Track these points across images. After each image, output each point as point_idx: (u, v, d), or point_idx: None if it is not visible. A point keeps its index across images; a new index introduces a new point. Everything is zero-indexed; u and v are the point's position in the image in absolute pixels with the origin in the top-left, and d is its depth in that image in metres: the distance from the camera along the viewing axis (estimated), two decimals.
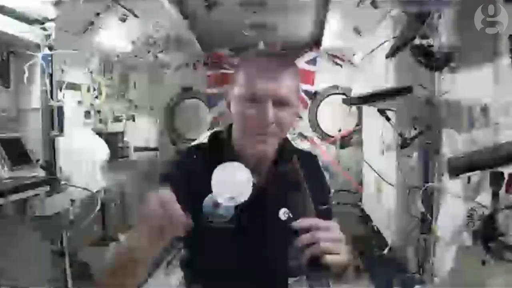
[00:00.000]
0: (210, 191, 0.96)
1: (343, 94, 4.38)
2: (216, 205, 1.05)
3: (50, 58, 2.17)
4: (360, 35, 3.43)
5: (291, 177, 0.91)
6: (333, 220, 1.13)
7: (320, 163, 1.32)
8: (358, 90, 3.64)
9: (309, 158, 1.23)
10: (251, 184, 0.91)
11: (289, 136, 3.89)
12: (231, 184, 0.91)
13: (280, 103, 1.00)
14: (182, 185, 1.01)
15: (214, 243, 1.07)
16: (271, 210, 1.02)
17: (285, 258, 1.06)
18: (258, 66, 1.02)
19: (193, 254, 1.17)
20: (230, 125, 1.13)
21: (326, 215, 0.93)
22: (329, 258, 0.80)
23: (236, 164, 0.94)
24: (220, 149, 1.12)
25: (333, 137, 4.39)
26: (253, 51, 1.31)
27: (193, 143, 1.33)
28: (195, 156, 1.14)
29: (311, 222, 0.83)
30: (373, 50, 2.88)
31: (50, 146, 2.25)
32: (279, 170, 1.02)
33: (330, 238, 0.82)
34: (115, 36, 3.04)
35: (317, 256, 0.81)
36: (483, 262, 1.61)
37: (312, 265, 0.82)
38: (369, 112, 3.30)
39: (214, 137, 1.17)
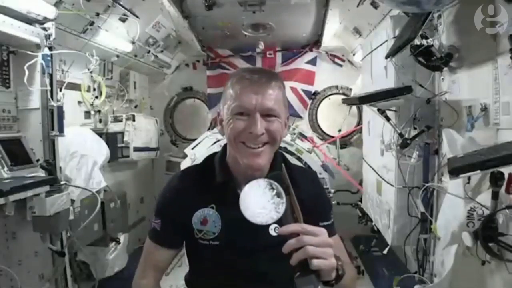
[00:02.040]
0: (204, 207, 1.05)
1: (343, 94, 4.39)
2: (204, 222, 1.08)
3: (50, 58, 2.16)
4: (360, 35, 3.43)
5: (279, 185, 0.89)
6: (336, 235, 1.16)
7: (325, 180, 1.31)
8: (358, 90, 3.64)
9: (306, 175, 1.25)
10: (284, 200, 0.86)
11: (289, 136, 3.85)
12: (261, 203, 0.87)
13: (268, 114, 1.03)
14: (179, 212, 1.10)
15: (209, 258, 1.10)
16: (262, 225, 1.02)
17: (276, 273, 1.06)
18: (244, 82, 1.05)
19: (194, 269, 1.20)
20: (225, 146, 1.15)
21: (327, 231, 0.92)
22: (316, 262, 0.81)
23: (262, 181, 0.89)
24: (214, 167, 1.15)
25: (333, 137, 4.39)
26: (239, 69, 1.33)
27: (185, 167, 1.35)
28: (189, 179, 1.17)
29: (297, 227, 0.84)
30: (373, 50, 2.88)
31: (50, 146, 2.25)
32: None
33: (317, 242, 0.82)
34: (115, 36, 3.04)
35: (305, 261, 0.80)
36: (483, 262, 1.61)
37: (300, 270, 0.81)
38: (369, 112, 3.29)
39: (208, 158, 1.20)
